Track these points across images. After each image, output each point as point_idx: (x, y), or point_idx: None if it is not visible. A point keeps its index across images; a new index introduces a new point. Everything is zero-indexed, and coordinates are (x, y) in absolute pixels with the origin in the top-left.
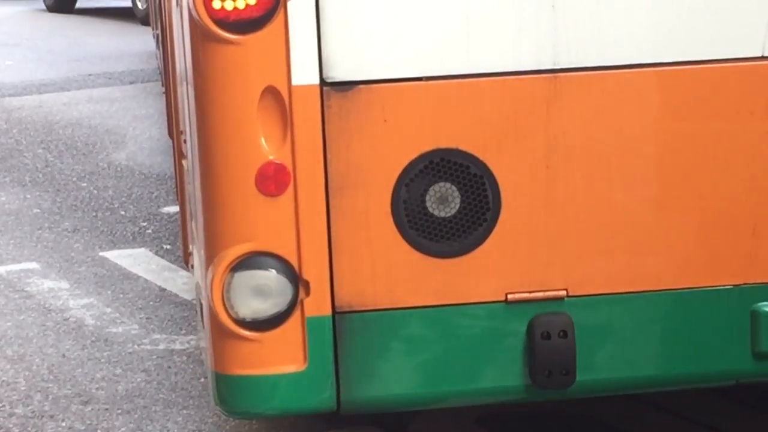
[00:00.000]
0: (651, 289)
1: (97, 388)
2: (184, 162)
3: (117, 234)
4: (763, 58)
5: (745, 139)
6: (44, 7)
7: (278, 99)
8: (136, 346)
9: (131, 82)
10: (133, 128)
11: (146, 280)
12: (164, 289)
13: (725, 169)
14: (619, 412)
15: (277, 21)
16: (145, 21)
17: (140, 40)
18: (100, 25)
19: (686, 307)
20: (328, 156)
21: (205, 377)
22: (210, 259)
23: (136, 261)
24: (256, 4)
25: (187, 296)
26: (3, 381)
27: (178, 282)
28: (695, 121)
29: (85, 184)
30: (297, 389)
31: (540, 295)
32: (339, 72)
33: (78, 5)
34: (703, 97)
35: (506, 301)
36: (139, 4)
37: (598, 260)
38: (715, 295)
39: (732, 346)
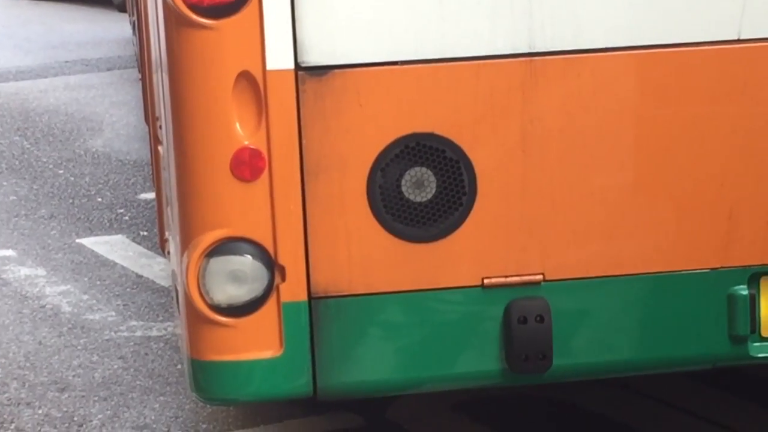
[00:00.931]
0: (627, 273)
1: (73, 376)
2: (160, 148)
3: (94, 221)
4: (738, 41)
5: (721, 122)
6: None
7: (253, 84)
8: (112, 333)
9: (108, 69)
10: (110, 115)
11: (123, 267)
12: (141, 276)
13: (702, 152)
14: (597, 396)
15: (251, 5)
16: (122, 7)
17: (117, 27)
18: (76, 12)
19: (663, 291)
20: (304, 141)
21: (182, 364)
22: (185, 244)
23: (113, 248)
24: None
25: (164, 283)
26: None
27: (155, 269)
28: (671, 105)
29: (61, 171)
30: (273, 375)
31: (516, 279)
32: (314, 56)
33: None
34: (679, 80)
35: (483, 285)
36: None
37: (574, 244)
38: (691, 279)
39: (709, 330)
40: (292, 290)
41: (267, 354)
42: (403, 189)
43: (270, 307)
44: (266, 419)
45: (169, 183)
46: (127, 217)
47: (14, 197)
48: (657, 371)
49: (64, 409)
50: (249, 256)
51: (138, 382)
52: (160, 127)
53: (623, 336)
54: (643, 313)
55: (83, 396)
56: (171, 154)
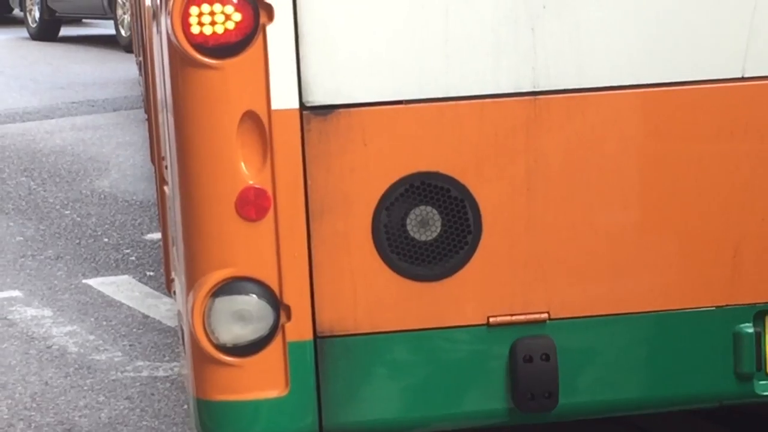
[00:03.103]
0: (633, 311)
1: (80, 416)
2: (165, 188)
3: (100, 261)
4: (742, 79)
5: (726, 160)
6: (28, 35)
7: (258, 123)
8: (119, 374)
9: (115, 110)
10: (116, 155)
11: (129, 307)
12: (147, 316)
13: (706, 190)
14: None
15: (256, 45)
16: (128, 48)
17: (124, 68)
18: (83, 53)
19: (668, 329)
20: (309, 180)
21: (188, 404)
22: (190, 284)
23: (120, 288)
24: (234, 29)
25: (171, 323)
26: None
27: (161, 309)
28: (675, 143)
29: (68, 212)
30: (279, 415)
31: (522, 318)
32: (318, 96)
33: (62, 33)
34: (683, 118)
35: (488, 324)
36: (123, 32)
37: (579, 283)
38: (697, 317)
39: (715, 368)
40: (298, 329)
41: (273, 394)
42: (408, 228)
43: (275, 347)
44: None
45: (174, 223)
46: (133, 258)
47: (21, 238)
48: (663, 409)
49: None
50: (254, 296)
51: (144, 423)
52: (166, 167)
53: (629, 374)
54: (648, 351)
55: None
56: (176, 194)
